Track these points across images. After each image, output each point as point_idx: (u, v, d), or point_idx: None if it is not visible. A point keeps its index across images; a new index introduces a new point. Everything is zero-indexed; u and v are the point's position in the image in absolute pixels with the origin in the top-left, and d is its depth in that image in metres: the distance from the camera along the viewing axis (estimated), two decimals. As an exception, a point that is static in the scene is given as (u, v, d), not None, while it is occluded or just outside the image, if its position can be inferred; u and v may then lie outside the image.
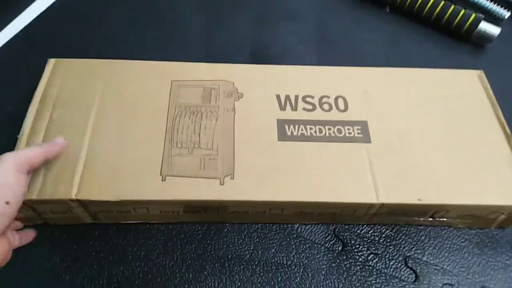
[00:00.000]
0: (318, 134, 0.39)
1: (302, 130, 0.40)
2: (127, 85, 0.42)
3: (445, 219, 0.39)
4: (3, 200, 0.30)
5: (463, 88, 0.44)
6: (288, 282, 0.37)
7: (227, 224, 0.40)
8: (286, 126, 0.40)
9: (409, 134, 0.40)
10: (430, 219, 0.39)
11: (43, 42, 0.53)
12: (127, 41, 0.54)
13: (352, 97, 0.42)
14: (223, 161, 0.37)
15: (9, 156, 0.32)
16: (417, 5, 0.56)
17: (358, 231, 0.40)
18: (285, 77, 0.44)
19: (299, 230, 0.40)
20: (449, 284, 0.38)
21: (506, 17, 0.56)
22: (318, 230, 0.40)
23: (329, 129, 0.40)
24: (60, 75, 0.42)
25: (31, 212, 0.36)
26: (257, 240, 0.39)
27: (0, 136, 0.40)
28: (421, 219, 0.39)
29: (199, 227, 0.39)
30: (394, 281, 0.38)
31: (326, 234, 0.40)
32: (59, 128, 0.38)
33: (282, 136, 0.39)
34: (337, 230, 0.40)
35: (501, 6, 0.56)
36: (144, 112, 0.40)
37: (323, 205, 0.37)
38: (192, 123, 0.39)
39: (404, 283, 0.38)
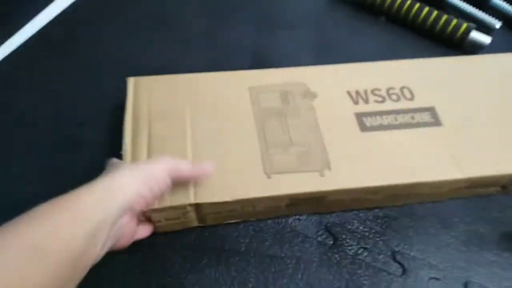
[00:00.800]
0: (394, 122, 0.43)
1: (379, 120, 0.43)
2: (209, 95, 0.45)
3: None
4: (148, 185, 0.32)
5: (507, 70, 0.49)
6: (281, 273, 0.39)
7: (225, 218, 0.42)
8: (364, 119, 0.43)
9: (473, 114, 0.44)
10: (500, 188, 0.43)
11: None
12: (133, 47, 0.57)
13: (415, 86, 0.46)
14: (318, 155, 0.40)
15: (166, 158, 0.35)
16: (411, 14, 0.59)
17: (349, 226, 0.42)
18: (349, 75, 0.48)
19: (292, 225, 0.42)
20: (435, 278, 0.39)
21: (497, 26, 0.58)
22: (311, 225, 0.42)
23: (403, 117, 0.44)
24: (144, 92, 0.44)
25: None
26: (253, 233, 0.41)
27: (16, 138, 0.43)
28: (493, 188, 0.43)
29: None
30: (382, 274, 0.39)
31: (319, 229, 0.42)
32: (161, 141, 0.40)
33: (363, 127, 0.43)
34: (329, 225, 0.42)
35: (492, 16, 0.59)
36: (232, 119, 0.43)
37: (412, 186, 0.40)
38: (280, 124, 0.42)
39: (392, 276, 0.39)
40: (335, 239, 0.41)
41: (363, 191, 0.40)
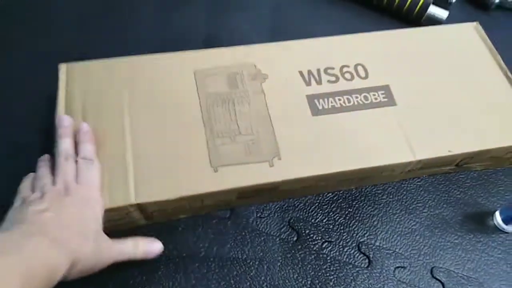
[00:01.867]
0: (347, 104, 0.41)
1: (331, 102, 0.41)
2: (150, 81, 0.41)
3: (468, 165, 0.43)
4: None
5: (465, 40, 0.48)
6: (243, 276, 0.37)
7: (181, 223, 0.39)
8: (316, 101, 0.41)
9: (428, 91, 0.43)
10: (455, 166, 0.42)
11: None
12: (82, 35, 0.52)
13: (370, 62, 0.44)
14: (267, 144, 0.38)
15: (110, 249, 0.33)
16: (368, -10, 0.56)
17: (313, 220, 0.40)
18: (302, 52, 0.45)
19: (254, 224, 0.40)
20: (402, 267, 0.39)
21: (453, 1, 0.56)
22: (273, 222, 0.40)
23: (356, 97, 0.42)
24: (78, 81, 0.40)
25: None
26: (212, 236, 0.39)
27: None
28: (447, 167, 0.43)
29: (152, 227, 0.39)
30: (348, 267, 0.38)
31: (281, 226, 0.40)
32: (96, 140, 0.36)
33: (315, 111, 0.40)
34: (291, 220, 0.40)
35: (449, -10, 0.57)
36: (176, 107, 0.39)
37: (365, 171, 0.39)
38: (227, 111, 0.39)
39: (357, 268, 0.38)
40: (299, 235, 0.40)
41: (314, 179, 0.38)
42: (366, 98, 0.42)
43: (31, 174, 0.35)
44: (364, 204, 0.42)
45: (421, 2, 0.54)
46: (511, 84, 0.44)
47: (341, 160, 0.38)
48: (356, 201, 0.42)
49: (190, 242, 0.38)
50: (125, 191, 0.34)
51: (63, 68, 0.40)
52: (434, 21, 0.55)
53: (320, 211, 0.41)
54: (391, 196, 0.42)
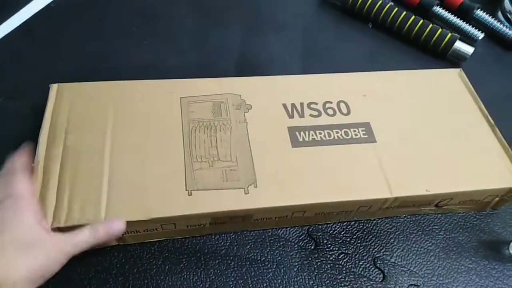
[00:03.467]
0: (327, 138, 0.42)
1: (312, 135, 0.42)
2: (137, 105, 0.42)
3: (447, 207, 0.43)
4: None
5: (447, 85, 0.49)
6: (260, 277, 0.38)
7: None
8: (297, 133, 0.42)
9: (408, 131, 0.44)
10: (435, 207, 0.43)
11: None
12: (121, 44, 0.56)
13: (352, 100, 0.45)
14: (244, 171, 0.38)
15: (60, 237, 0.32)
16: (397, 22, 0.59)
17: (331, 231, 0.42)
18: (287, 87, 0.46)
19: (274, 229, 0.41)
20: (415, 285, 0.39)
21: (479, 38, 0.59)
22: (292, 229, 0.42)
23: (337, 132, 0.42)
24: (66, 100, 0.41)
25: None
26: (233, 236, 0.41)
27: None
28: (427, 208, 0.43)
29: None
30: (362, 280, 0.39)
31: (300, 234, 0.41)
32: (75, 154, 0.37)
33: (295, 142, 0.41)
34: (310, 230, 0.42)
35: (476, 28, 0.60)
36: (158, 130, 0.40)
37: (342, 204, 0.39)
38: (208, 137, 0.40)
39: (372, 282, 0.39)
40: (316, 243, 0.41)
41: (290, 209, 0.38)
42: (346, 133, 0.42)
43: None
44: (382, 221, 0.43)
45: (447, 37, 0.57)
46: (492, 128, 0.45)
47: (316, 192, 0.38)
48: (374, 218, 0.43)
49: (213, 239, 0.40)
50: (96, 208, 0.35)
51: (54, 88, 0.42)
52: (460, 56, 0.57)
53: (339, 223, 0.42)
54: (408, 216, 0.44)
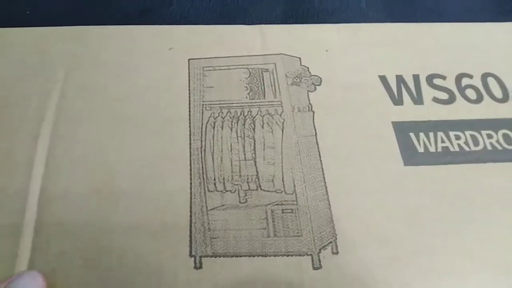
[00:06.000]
0: (472, 147, 0.23)
1: (443, 141, 0.24)
2: (107, 71, 0.25)
3: None
4: None
5: None
6: None
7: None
8: (413, 136, 0.23)
9: None
10: None
11: None
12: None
13: (509, 73, 0.26)
14: (313, 218, 0.20)
15: None
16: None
17: None
18: (383, 45, 0.27)
19: None
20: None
21: None
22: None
23: (490, 136, 0.24)
24: None
25: None
26: None
27: None
28: None
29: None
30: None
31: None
32: None
33: (410, 154, 0.23)
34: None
35: None
36: (148, 125, 0.23)
37: None
38: (238, 141, 0.23)
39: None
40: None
41: None
42: (508, 138, 0.25)
43: None
44: None
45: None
46: None
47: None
48: None
49: None
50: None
51: None
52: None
53: None
54: None
